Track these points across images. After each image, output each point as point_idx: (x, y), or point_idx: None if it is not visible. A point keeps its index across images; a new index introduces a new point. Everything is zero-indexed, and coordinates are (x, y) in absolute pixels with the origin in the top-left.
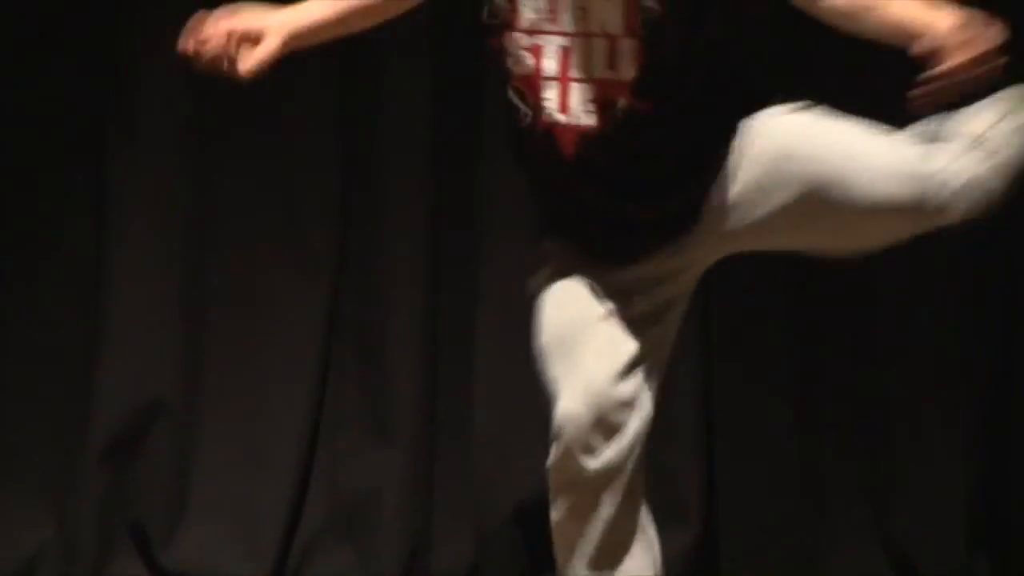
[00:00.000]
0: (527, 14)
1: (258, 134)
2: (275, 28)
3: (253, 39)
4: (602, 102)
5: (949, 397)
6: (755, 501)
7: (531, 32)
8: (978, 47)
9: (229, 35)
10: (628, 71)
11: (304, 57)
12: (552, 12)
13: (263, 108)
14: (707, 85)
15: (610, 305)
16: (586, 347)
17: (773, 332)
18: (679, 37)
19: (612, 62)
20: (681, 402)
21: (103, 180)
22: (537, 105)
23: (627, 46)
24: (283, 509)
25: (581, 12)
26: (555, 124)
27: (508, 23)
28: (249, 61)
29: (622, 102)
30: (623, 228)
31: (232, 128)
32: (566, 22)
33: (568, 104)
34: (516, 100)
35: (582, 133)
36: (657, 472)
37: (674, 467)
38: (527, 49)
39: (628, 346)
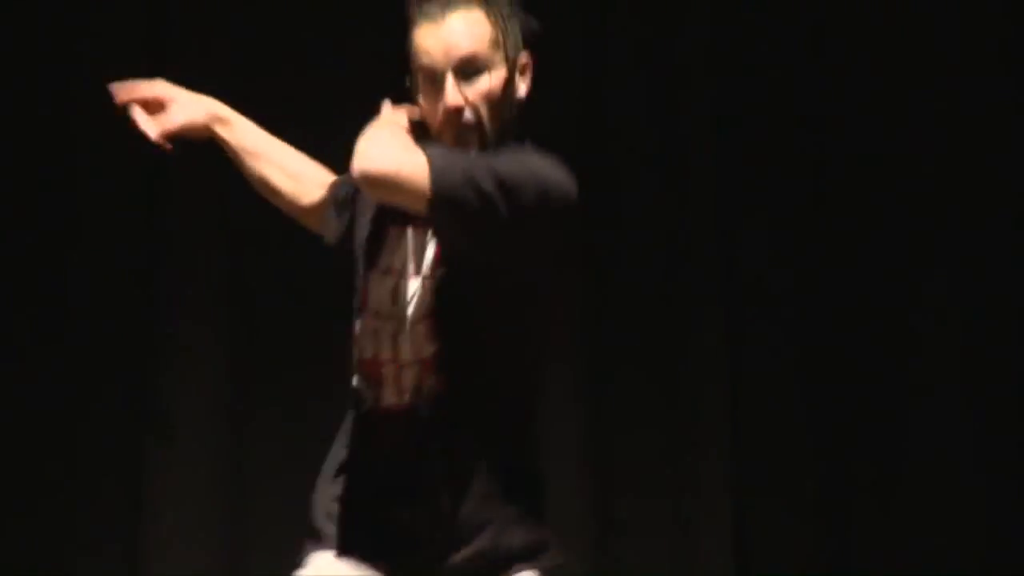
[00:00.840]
0: (373, 301)
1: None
2: (197, 100)
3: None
4: (413, 384)
5: None
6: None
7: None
8: None
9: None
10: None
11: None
12: (394, 296)
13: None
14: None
15: None
16: None
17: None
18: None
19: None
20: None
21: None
22: (379, 390)
23: (424, 327)
24: None
25: (392, 296)
26: (388, 408)
27: (360, 307)
28: (162, 123)
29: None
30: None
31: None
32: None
33: (402, 386)
34: (361, 385)
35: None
36: None
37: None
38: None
39: None
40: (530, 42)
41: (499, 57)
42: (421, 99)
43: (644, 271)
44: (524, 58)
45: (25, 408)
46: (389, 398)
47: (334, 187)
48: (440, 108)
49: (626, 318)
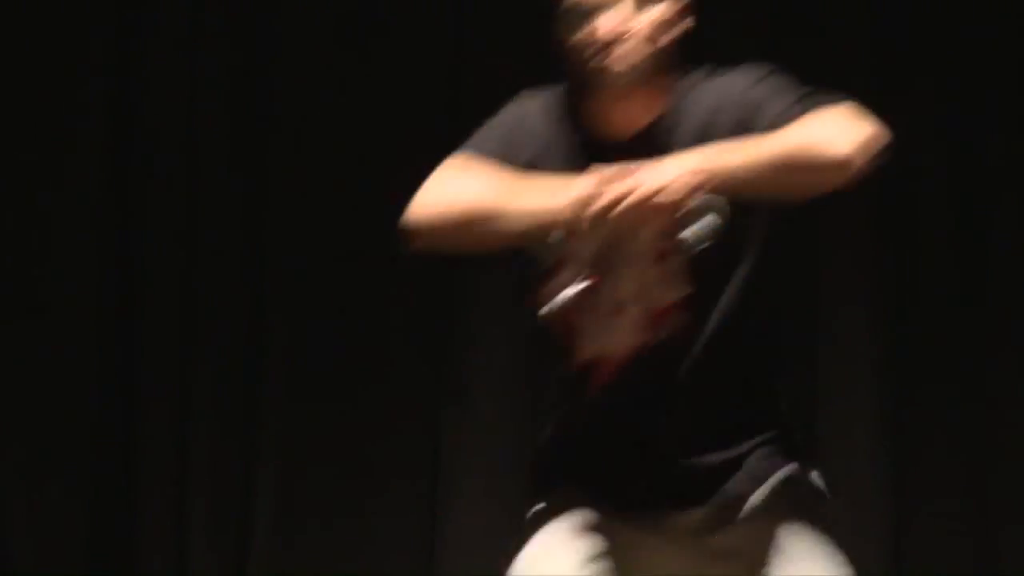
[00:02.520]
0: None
1: None
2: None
3: None
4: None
5: None
6: None
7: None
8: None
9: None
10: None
11: None
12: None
13: None
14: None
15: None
16: None
17: None
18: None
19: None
20: None
21: None
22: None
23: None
24: None
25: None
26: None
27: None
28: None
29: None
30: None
31: None
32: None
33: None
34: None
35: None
36: None
37: None
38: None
39: None
40: None
41: (675, 28)
42: (576, 48)
43: None
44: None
45: None
46: (622, 340)
47: None
48: (615, 70)
49: None
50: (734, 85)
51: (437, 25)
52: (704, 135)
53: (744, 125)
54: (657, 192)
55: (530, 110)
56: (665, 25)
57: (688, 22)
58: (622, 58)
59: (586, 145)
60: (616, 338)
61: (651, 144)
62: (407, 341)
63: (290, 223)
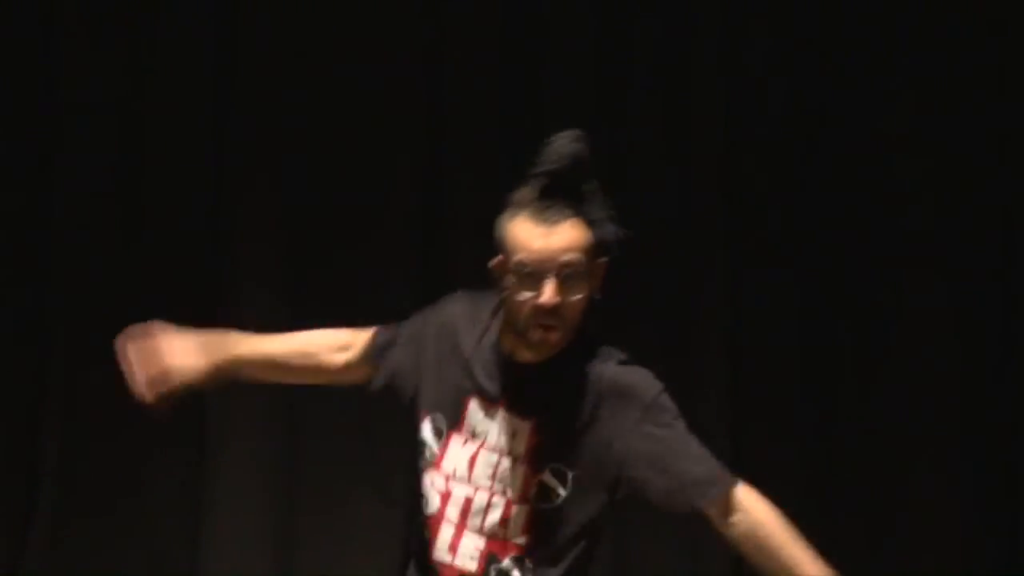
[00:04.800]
0: (448, 464)
1: None
2: (195, 351)
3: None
4: (486, 555)
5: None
6: None
7: (447, 478)
8: None
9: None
10: (518, 535)
11: None
12: (470, 466)
13: None
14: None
15: None
16: None
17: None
18: (569, 517)
19: (504, 522)
20: None
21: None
22: (431, 543)
23: (520, 511)
24: None
25: (491, 471)
26: (441, 563)
27: (433, 463)
28: (158, 385)
29: (505, 561)
30: None
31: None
32: (476, 477)
33: (457, 548)
34: (424, 541)
35: (463, 574)
36: None
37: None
38: (439, 492)
39: None
40: (613, 250)
41: (591, 265)
42: (509, 283)
43: None
44: (604, 263)
45: None
46: (444, 556)
47: (375, 339)
48: (533, 302)
49: None
50: (633, 401)
51: None
52: (586, 409)
53: (650, 463)
54: None
55: (456, 314)
56: (587, 276)
57: (606, 265)
58: (556, 335)
59: (493, 355)
60: (456, 556)
61: (536, 378)
62: None
63: None
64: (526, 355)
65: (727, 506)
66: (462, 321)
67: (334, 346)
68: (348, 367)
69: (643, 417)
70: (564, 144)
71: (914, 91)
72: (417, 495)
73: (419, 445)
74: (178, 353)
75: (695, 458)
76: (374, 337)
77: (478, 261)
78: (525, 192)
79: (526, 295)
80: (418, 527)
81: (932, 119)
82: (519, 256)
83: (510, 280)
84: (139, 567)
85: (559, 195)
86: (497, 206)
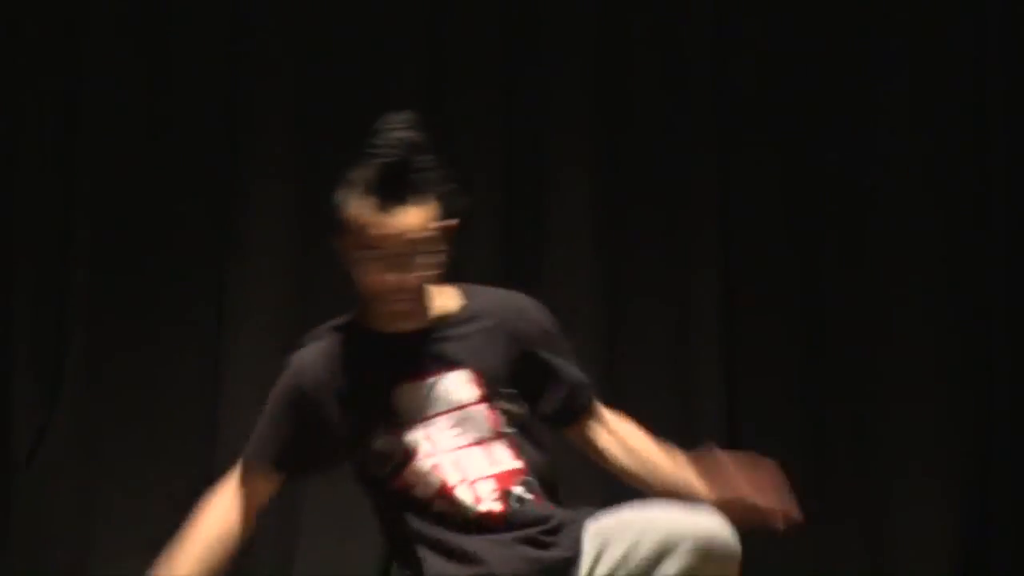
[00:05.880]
0: (423, 448)
1: None
2: None
3: None
4: (501, 491)
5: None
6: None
7: (428, 455)
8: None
9: None
10: (511, 462)
11: None
12: (438, 436)
13: None
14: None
15: None
16: None
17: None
18: (535, 424)
19: (496, 460)
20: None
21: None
22: (457, 509)
23: (501, 444)
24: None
25: (460, 428)
26: (479, 514)
27: (405, 462)
28: None
29: (516, 488)
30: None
31: None
32: (451, 440)
33: (480, 497)
34: (441, 517)
35: (495, 514)
36: None
37: None
38: (429, 471)
39: None
40: (458, 212)
41: (439, 233)
42: (358, 264)
43: None
44: (452, 225)
45: None
46: (478, 508)
47: (251, 455)
48: (385, 280)
49: None
50: (526, 312)
51: None
52: (495, 335)
53: (515, 338)
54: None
55: (305, 373)
56: (439, 242)
57: (456, 225)
58: (417, 303)
59: (377, 343)
60: (481, 503)
61: (436, 336)
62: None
63: None
64: (407, 324)
65: (602, 415)
66: (313, 358)
67: (234, 506)
68: (257, 497)
69: (540, 338)
70: (395, 131)
71: None
72: (395, 511)
73: (380, 460)
74: None
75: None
76: (248, 456)
77: None
78: (362, 174)
79: (378, 275)
80: (404, 533)
81: None
82: (366, 239)
83: (357, 258)
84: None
85: (397, 178)
86: None
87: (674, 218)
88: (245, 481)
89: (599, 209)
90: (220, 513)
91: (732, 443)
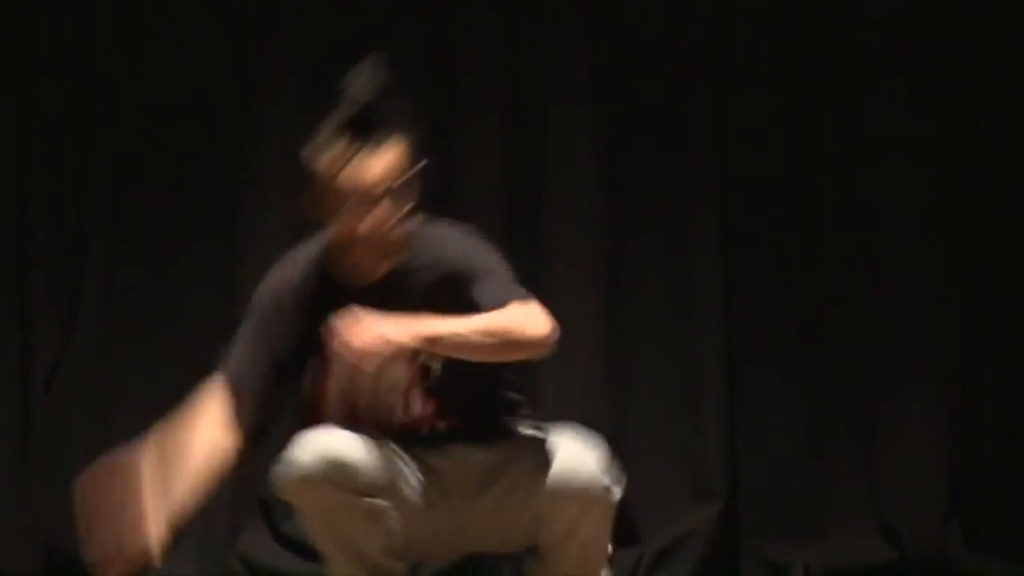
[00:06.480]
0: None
1: None
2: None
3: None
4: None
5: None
6: (772, 480)
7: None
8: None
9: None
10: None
11: None
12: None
13: None
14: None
15: None
16: None
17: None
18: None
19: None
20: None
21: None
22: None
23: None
24: None
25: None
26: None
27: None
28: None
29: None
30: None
31: None
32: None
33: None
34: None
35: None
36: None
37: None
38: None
39: None
40: (423, 156)
41: (407, 179)
42: (331, 211)
43: None
44: (418, 168)
45: None
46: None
47: (230, 363)
48: (364, 224)
49: None
50: (458, 245)
51: None
52: (435, 287)
53: (453, 280)
54: (366, 351)
55: (283, 279)
56: (408, 185)
57: (420, 162)
58: (378, 254)
59: (335, 291)
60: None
61: (392, 287)
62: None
63: None
64: (364, 279)
65: None
66: (297, 275)
67: (218, 422)
68: (241, 414)
69: (470, 275)
70: (363, 82)
71: None
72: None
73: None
74: (139, 520)
75: None
76: (226, 364)
77: None
78: (332, 125)
79: (350, 222)
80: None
81: None
82: (339, 189)
83: (331, 209)
84: None
85: (364, 122)
86: None
87: (675, 157)
88: (225, 399)
89: (600, 146)
90: (208, 436)
91: (733, 381)
